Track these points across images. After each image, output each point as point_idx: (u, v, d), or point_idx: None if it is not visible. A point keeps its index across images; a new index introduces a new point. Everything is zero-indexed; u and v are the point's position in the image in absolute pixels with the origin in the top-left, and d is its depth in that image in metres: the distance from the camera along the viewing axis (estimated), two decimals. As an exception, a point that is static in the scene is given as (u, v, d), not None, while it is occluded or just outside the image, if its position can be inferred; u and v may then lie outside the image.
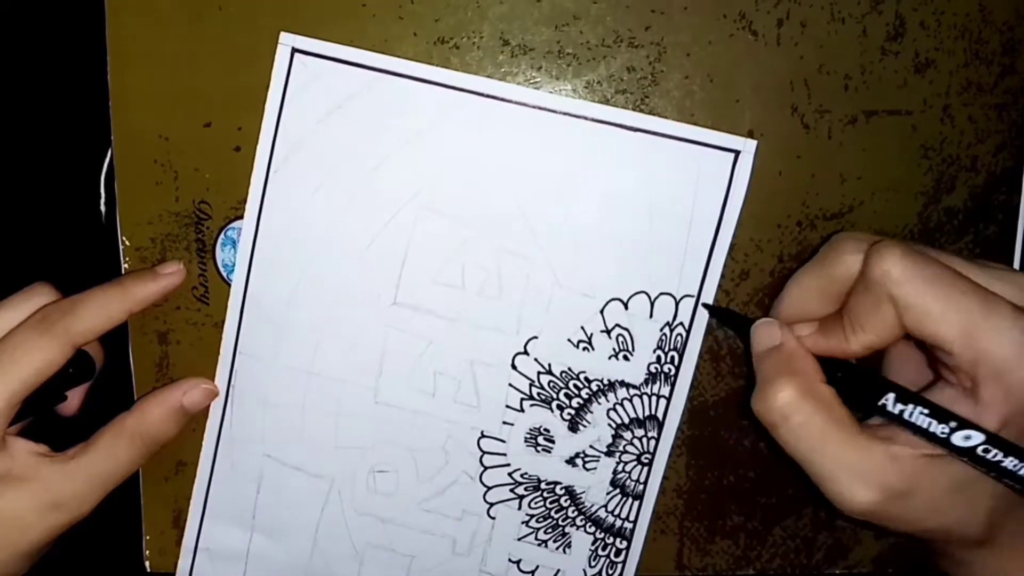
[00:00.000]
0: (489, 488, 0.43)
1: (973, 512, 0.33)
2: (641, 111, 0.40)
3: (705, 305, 0.41)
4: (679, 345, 0.41)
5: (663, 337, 0.41)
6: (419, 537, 0.44)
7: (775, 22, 0.39)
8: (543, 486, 0.43)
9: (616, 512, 0.43)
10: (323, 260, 0.41)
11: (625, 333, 0.41)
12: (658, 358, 0.41)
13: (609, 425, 0.42)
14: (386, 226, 0.41)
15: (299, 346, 0.42)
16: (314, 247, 0.41)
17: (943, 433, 0.31)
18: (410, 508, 0.44)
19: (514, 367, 0.42)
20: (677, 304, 0.41)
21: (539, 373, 0.42)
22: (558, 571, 0.44)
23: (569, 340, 0.41)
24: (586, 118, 0.39)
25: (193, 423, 0.43)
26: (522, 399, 0.42)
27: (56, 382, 0.38)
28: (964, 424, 0.31)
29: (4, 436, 0.37)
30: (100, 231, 0.43)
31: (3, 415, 0.36)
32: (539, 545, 0.44)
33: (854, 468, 0.32)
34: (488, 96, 0.39)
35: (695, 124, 0.40)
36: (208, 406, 0.43)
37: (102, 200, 0.43)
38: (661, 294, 0.41)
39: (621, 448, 0.43)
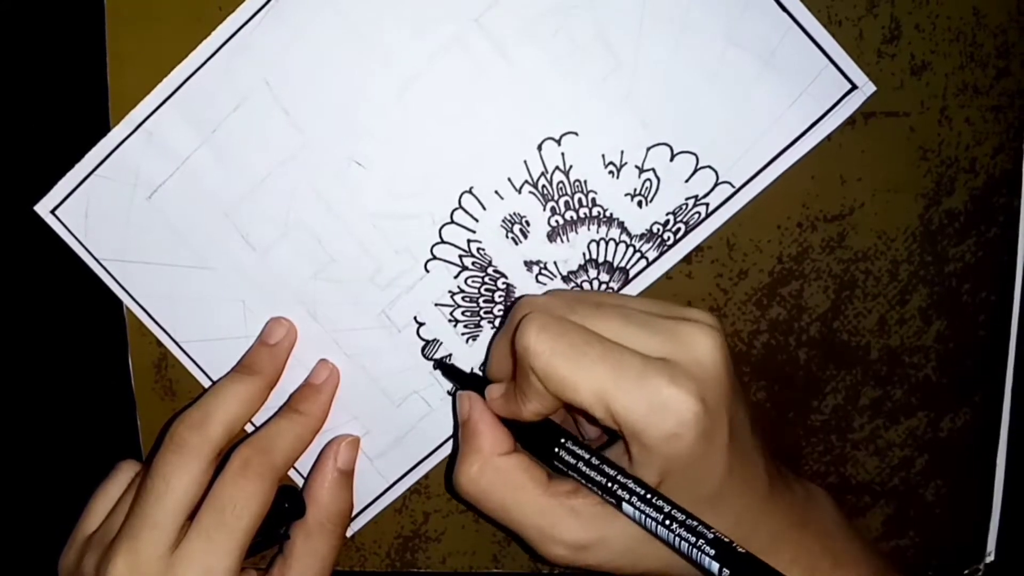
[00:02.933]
0: (442, 242, 0.42)
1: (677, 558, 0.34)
2: None
3: (435, 360, 0.42)
4: (692, 221, 0.41)
5: (683, 206, 0.41)
6: (351, 246, 0.42)
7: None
8: (490, 271, 0.42)
9: (536, 335, 0.43)
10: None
11: (654, 181, 0.41)
12: (667, 222, 0.41)
13: (583, 254, 0.42)
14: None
15: (355, 3, 0.40)
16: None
17: (605, 483, 0.33)
18: (361, 215, 0.42)
19: (539, 149, 0.41)
20: (715, 184, 0.40)
21: (556, 168, 0.41)
22: (450, 355, 0.43)
23: (603, 156, 0.41)
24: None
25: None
26: (525, 181, 0.41)
27: (272, 521, 0.39)
28: (623, 474, 0.33)
29: None
30: None
31: (236, 569, 0.37)
32: (450, 322, 0.43)
33: (537, 527, 0.34)
34: None
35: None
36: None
37: None
38: (707, 166, 0.40)
39: (578, 281, 0.42)
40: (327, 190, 0.41)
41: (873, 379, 0.44)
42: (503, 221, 0.41)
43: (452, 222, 0.42)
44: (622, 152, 0.40)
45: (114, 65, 0.41)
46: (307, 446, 0.42)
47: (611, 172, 0.40)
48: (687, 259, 0.42)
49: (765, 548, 0.33)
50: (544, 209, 0.41)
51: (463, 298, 0.43)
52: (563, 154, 0.41)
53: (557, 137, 0.40)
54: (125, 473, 0.42)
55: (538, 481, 0.35)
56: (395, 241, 0.42)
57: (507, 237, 0.42)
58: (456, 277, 0.42)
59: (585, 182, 0.41)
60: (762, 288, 0.42)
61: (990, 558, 0.46)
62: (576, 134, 0.40)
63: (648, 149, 0.40)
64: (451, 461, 0.44)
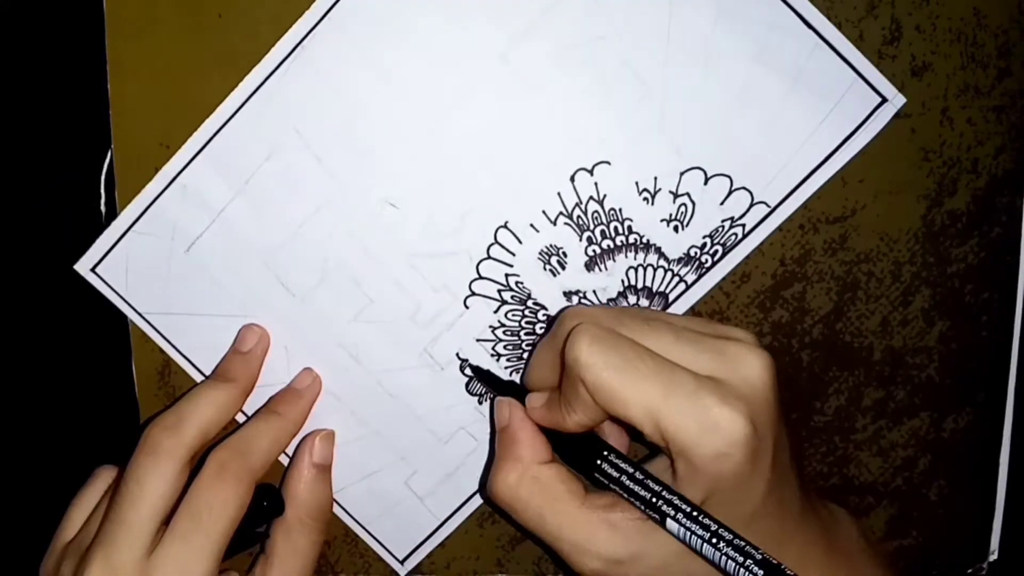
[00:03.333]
0: (480, 278, 0.42)
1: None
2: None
3: (471, 366, 0.42)
4: (729, 243, 0.41)
5: (720, 228, 0.41)
6: (389, 286, 0.42)
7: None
8: (530, 304, 0.42)
9: (579, 364, 0.42)
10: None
11: (690, 205, 0.41)
12: (703, 245, 0.41)
13: (622, 281, 0.42)
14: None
15: (381, 47, 0.40)
16: None
17: (650, 498, 0.33)
18: (398, 255, 0.42)
19: (572, 180, 0.41)
20: (751, 205, 0.40)
21: (590, 198, 0.41)
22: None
23: (636, 183, 0.41)
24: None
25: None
26: (560, 213, 0.41)
27: (251, 520, 0.39)
28: (667, 490, 0.32)
29: None
30: (100, 231, 0.42)
31: (213, 572, 0.37)
32: (492, 356, 0.43)
33: (572, 541, 0.34)
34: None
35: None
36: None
37: (102, 200, 0.43)
38: (742, 187, 0.40)
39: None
40: (363, 233, 0.42)
41: (876, 380, 0.44)
42: (540, 253, 0.41)
43: (489, 257, 0.42)
44: (656, 178, 0.40)
45: (114, 72, 0.40)
46: (284, 449, 0.42)
47: (645, 199, 0.41)
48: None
49: (793, 569, 0.33)
50: (580, 239, 0.41)
51: (504, 332, 0.43)
52: (596, 184, 0.41)
53: (590, 167, 0.40)
54: (102, 480, 0.41)
55: (576, 493, 0.35)
56: (433, 279, 0.42)
57: (545, 269, 0.42)
58: (496, 312, 0.42)
59: (620, 210, 0.41)
60: (764, 291, 0.42)
61: (993, 557, 0.46)
62: (608, 163, 0.40)
63: (682, 174, 0.40)
64: (486, 467, 0.44)
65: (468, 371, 0.43)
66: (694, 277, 0.41)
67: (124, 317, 0.44)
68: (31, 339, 0.47)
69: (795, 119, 0.39)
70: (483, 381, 0.42)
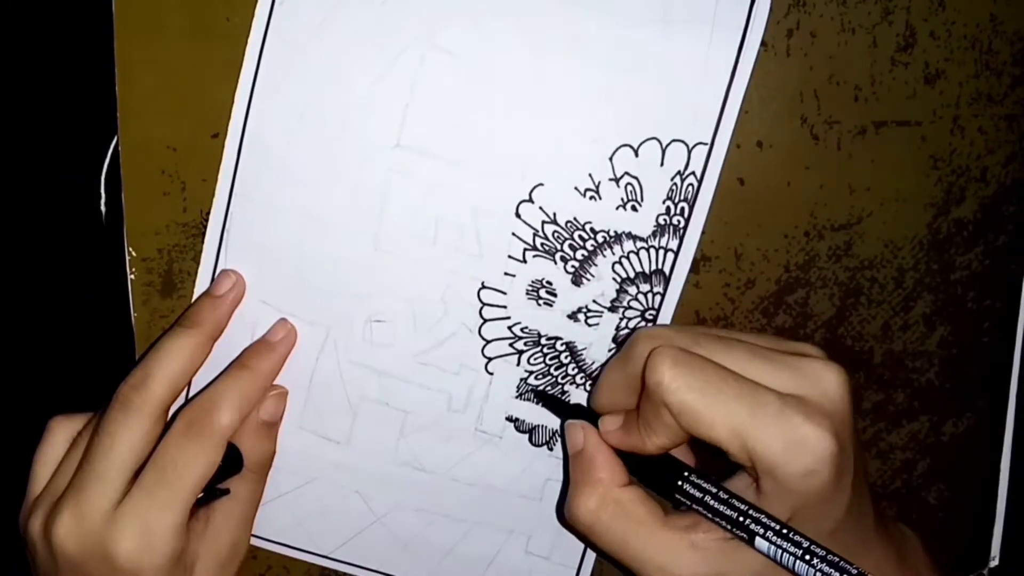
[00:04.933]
0: (488, 342, 0.42)
1: None
2: None
3: (535, 392, 0.42)
4: (690, 196, 0.40)
5: (673, 187, 0.40)
6: (415, 391, 0.43)
7: (785, 32, 0.39)
8: (543, 341, 0.42)
9: (617, 371, 0.42)
10: (325, 100, 0.39)
11: (634, 182, 0.40)
12: (667, 209, 0.40)
13: (614, 279, 0.41)
14: (392, 65, 0.39)
15: (298, 189, 0.40)
16: (315, 87, 0.39)
17: (737, 517, 0.32)
18: (407, 360, 0.43)
19: (518, 216, 0.41)
20: (689, 152, 0.40)
21: (544, 223, 0.41)
22: (555, 432, 0.43)
23: (576, 188, 0.40)
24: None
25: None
26: (525, 249, 0.41)
27: (212, 479, 0.39)
28: (754, 509, 0.32)
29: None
30: (100, 231, 0.43)
31: (182, 528, 0.38)
32: (537, 404, 0.43)
33: (657, 563, 0.34)
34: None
35: None
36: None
37: (102, 200, 0.43)
38: (673, 141, 0.39)
39: (625, 303, 0.42)
40: (366, 359, 0.42)
41: (876, 383, 0.43)
42: (527, 293, 0.42)
43: (485, 321, 0.42)
44: (590, 175, 0.40)
45: (122, 74, 0.40)
46: (254, 404, 0.41)
47: (592, 198, 0.40)
48: (695, 269, 0.41)
49: None
50: (556, 262, 0.41)
51: (535, 377, 0.43)
52: (542, 207, 0.40)
53: (528, 196, 0.40)
54: (61, 431, 0.41)
55: (657, 515, 0.35)
56: (448, 366, 0.43)
57: (539, 304, 0.42)
58: (518, 365, 0.43)
59: (576, 219, 0.41)
60: (769, 297, 0.42)
61: (994, 563, 0.45)
62: (542, 184, 0.40)
63: (611, 159, 0.40)
64: (562, 492, 0.44)
65: (533, 396, 0.43)
66: (676, 242, 0.41)
67: (126, 315, 0.43)
68: (31, 339, 0.47)
69: (684, 56, 0.38)
70: (548, 405, 0.43)
